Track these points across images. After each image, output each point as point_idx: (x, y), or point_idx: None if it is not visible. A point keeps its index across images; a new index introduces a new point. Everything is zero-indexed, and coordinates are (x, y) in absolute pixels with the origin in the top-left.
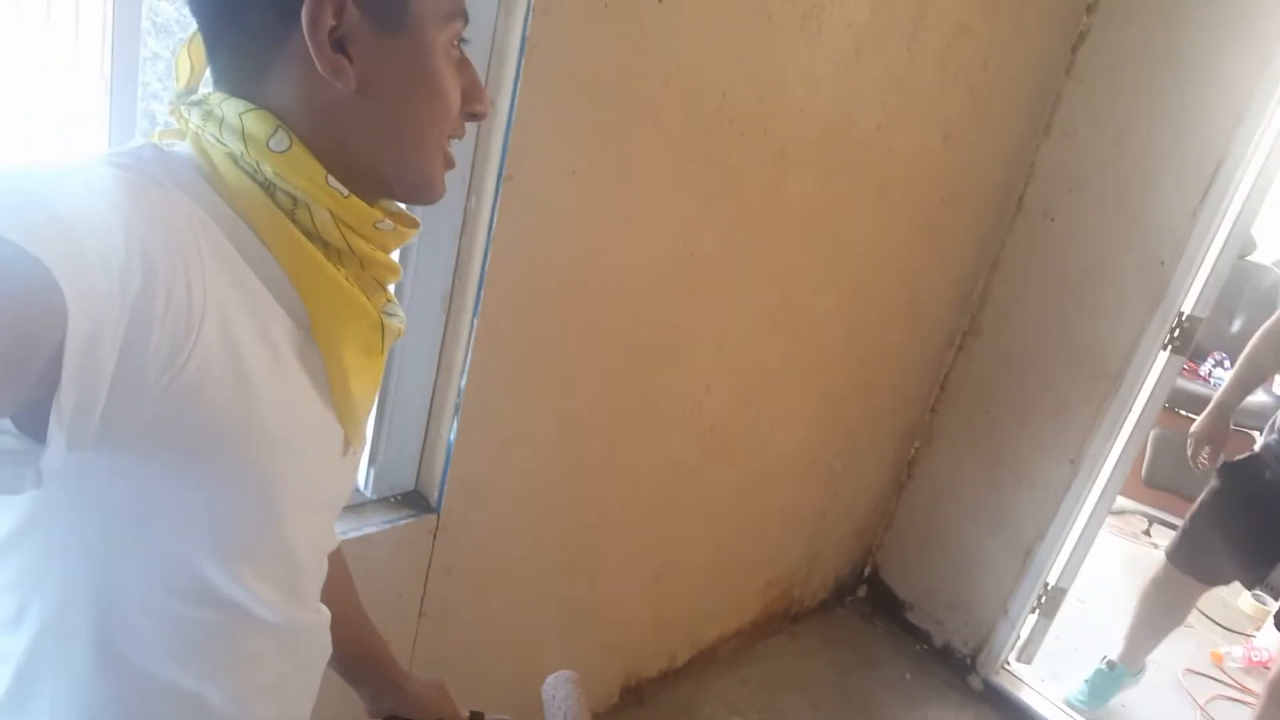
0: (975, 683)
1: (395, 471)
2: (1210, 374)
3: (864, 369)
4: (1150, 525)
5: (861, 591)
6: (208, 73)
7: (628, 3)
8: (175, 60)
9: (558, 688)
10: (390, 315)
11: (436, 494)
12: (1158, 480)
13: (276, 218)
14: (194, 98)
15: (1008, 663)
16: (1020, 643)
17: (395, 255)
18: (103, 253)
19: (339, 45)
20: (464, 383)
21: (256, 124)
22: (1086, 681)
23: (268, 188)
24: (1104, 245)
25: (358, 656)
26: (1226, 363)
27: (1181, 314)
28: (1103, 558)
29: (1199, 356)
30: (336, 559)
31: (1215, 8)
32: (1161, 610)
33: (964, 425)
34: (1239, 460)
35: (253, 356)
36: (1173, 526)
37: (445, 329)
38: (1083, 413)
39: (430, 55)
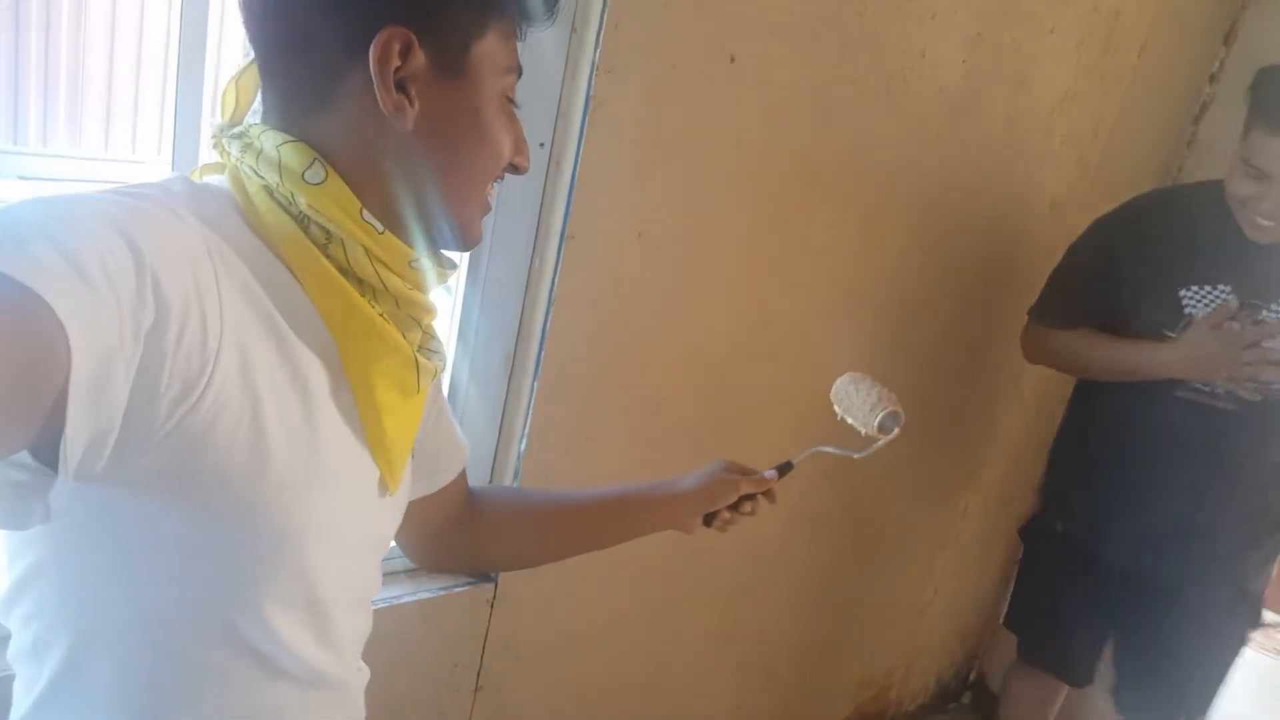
0: None
1: None
2: None
3: (970, 454)
4: None
5: (966, 698)
6: (253, 107)
7: (697, 63)
8: (222, 93)
9: (855, 382)
10: (430, 352)
11: None
12: None
13: (309, 251)
14: (236, 130)
15: None
16: None
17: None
18: (113, 287)
19: (400, 85)
20: (523, 447)
21: (294, 156)
22: None
23: (301, 221)
24: None
25: (616, 517)
26: None
27: None
28: (1248, 679)
29: None
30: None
31: None
32: None
33: None
34: None
35: (272, 393)
36: None
37: (508, 390)
38: None
39: (486, 103)
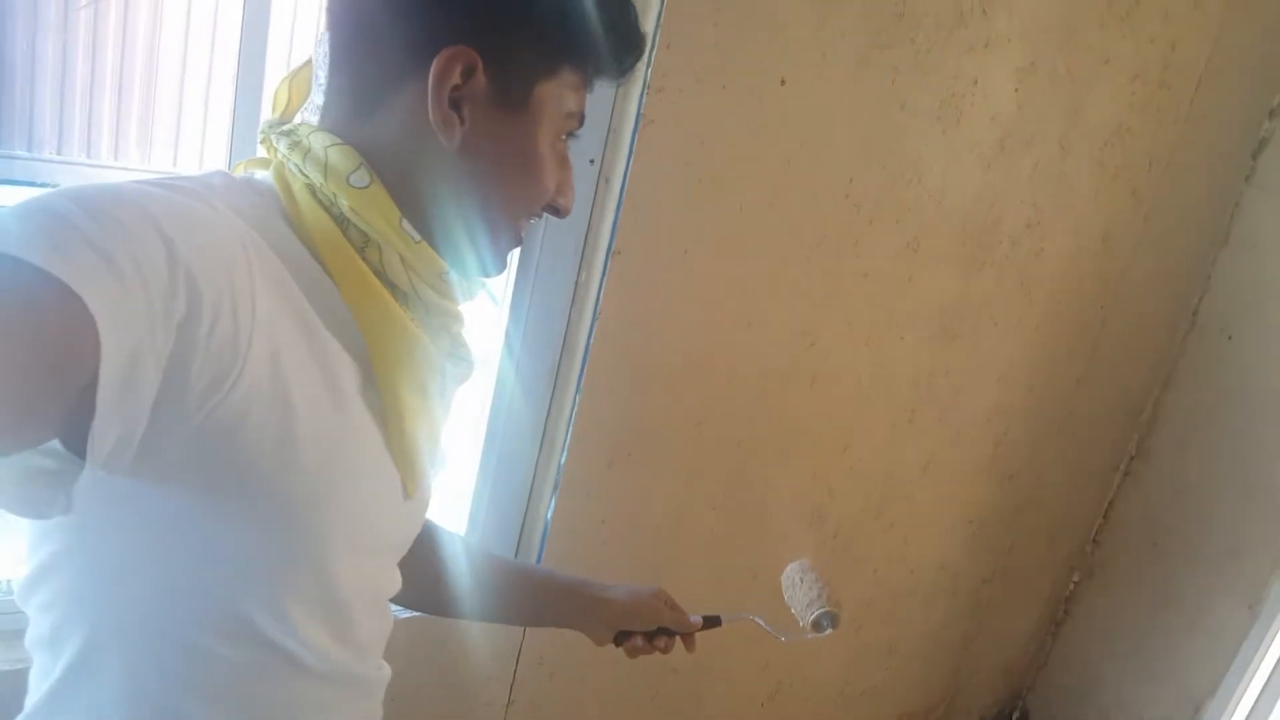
0: None
1: (492, 547)
2: None
3: (1015, 488)
4: None
5: None
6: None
7: (748, 83)
8: (275, 90)
9: (803, 572)
10: (459, 360)
11: None
12: None
13: (346, 252)
14: (285, 127)
15: None
16: None
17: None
18: (144, 279)
19: (455, 103)
20: (564, 459)
21: (341, 158)
22: None
23: (341, 222)
24: None
25: (530, 595)
26: None
27: None
28: None
29: None
30: (431, 534)
31: None
32: None
33: (1130, 560)
34: None
35: (302, 389)
36: None
37: (550, 403)
38: (1262, 555)
39: (539, 141)
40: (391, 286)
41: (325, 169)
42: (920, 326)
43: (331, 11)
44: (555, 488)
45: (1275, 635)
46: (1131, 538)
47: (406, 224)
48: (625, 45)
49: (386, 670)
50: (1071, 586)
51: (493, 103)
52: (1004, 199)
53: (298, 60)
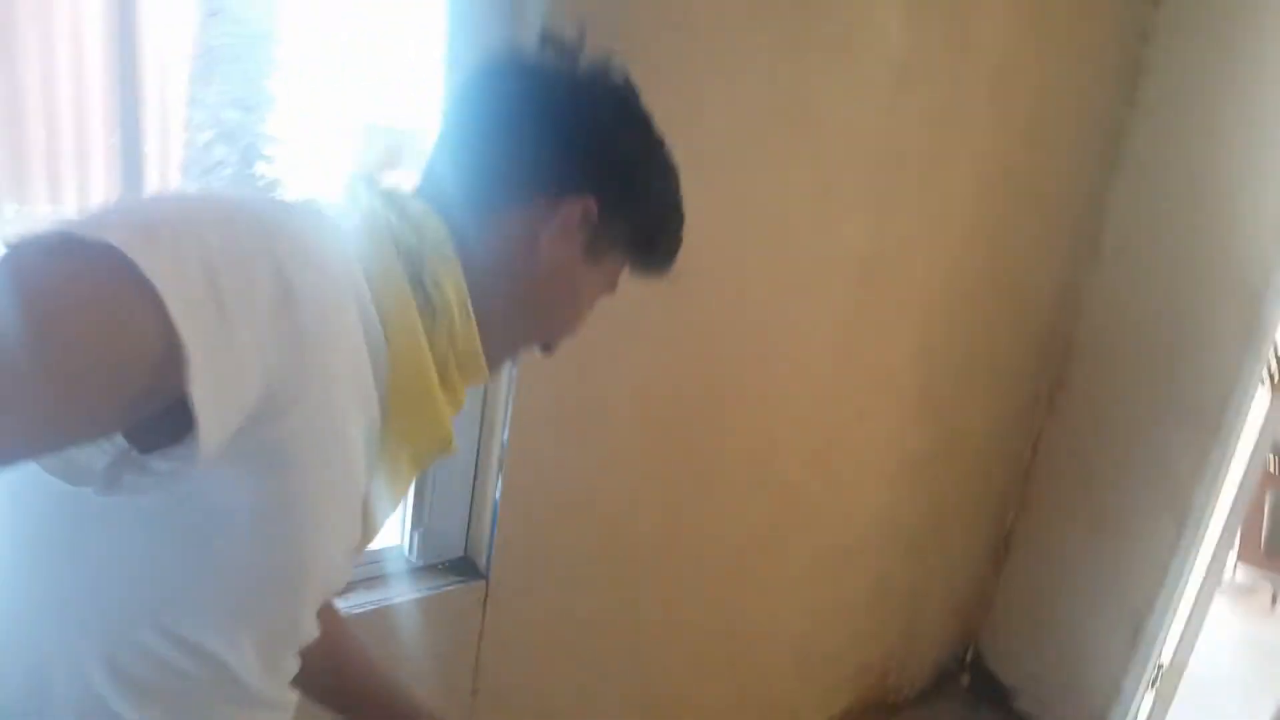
0: None
1: (442, 535)
2: None
3: (945, 429)
4: (1277, 596)
5: (965, 679)
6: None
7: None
8: (371, 145)
9: None
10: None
11: (484, 559)
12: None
13: (410, 316)
14: (384, 187)
15: None
16: None
17: None
18: (250, 321)
19: (554, 224)
20: (506, 436)
21: (437, 231)
22: None
23: (415, 286)
24: (1190, 279)
25: (350, 682)
26: None
27: (1278, 346)
28: (1225, 636)
29: None
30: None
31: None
32: None
33: (1060, 490)
34: None
35: (336, 434)
36: None
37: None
38: (1184, 465)
39: (591, 294)
40: (437, 364)
41: (420, 232)
42: (842, 274)
43: (473, 114)
44: (500, 466)
45: (1202, 545)
46: (1060, 468)
47: (469, 303)
48: (669, 260)
49: (294, 698)
50: (1009, 523)
51: (579, 251)
52: (905, 138)
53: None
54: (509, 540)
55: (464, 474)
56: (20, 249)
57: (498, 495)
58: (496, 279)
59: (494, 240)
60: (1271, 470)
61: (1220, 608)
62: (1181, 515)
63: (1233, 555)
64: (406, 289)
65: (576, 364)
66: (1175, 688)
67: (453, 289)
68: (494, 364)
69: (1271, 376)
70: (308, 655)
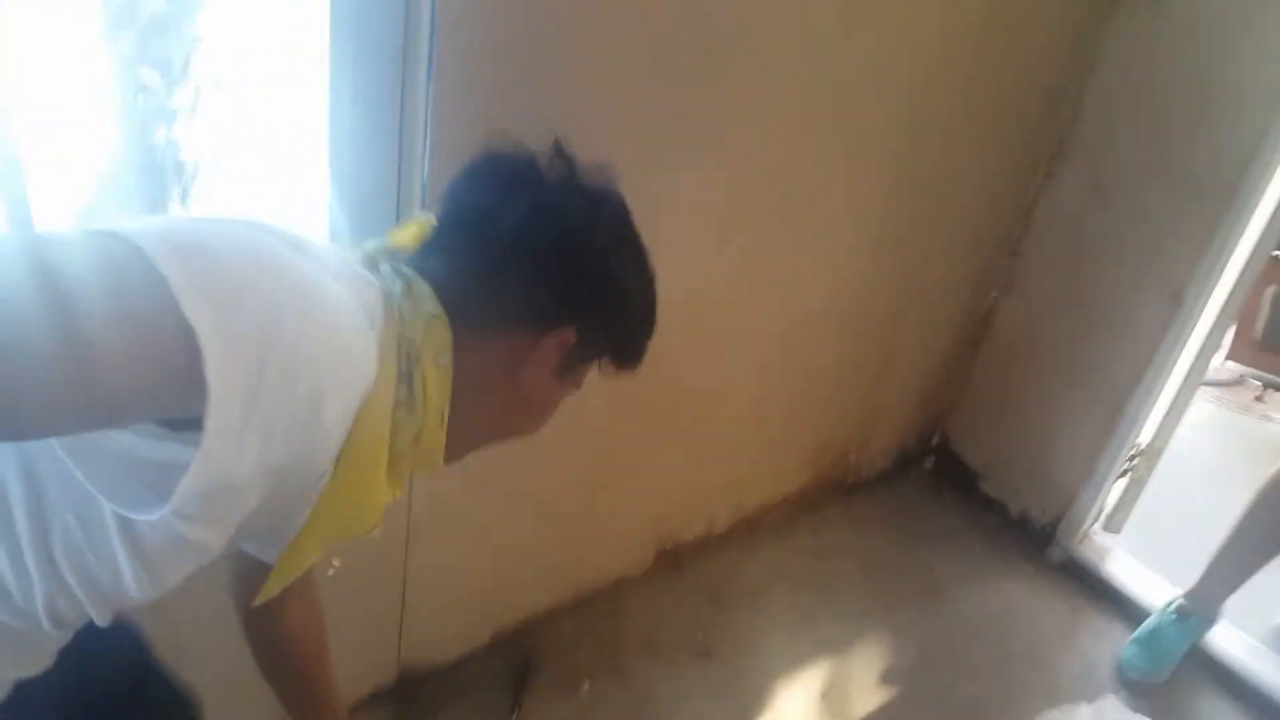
0: (1055, 554)
1: None
2: None
3: (926, 197)
4: (1264, 392)
5: (929, 463)
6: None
7: None
8: (407, 223)
9: None
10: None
11: None
12: (1275, 342)
13: (383, 413)
14: (403, 269)
15: (1092, 532)
16: (1107, 510)
17: None
18: (278, 386)
19: (534, 356)
20: (427, 170)
21: (441, 334)
22: (1137, 641)
23: (403, 378)
24: (1223, 34)
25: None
26: None
27: None
28: (1208, 429)
29: None
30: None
31: None
32: None
33: (1051, 268)
34: None
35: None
36: None
37: (402, 97)
38: (1188, 242)
39: (556, 403)
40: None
41: (427, 333)
42: (817, 15)
43: (485, 238)
44: (423, 204)
45: (1196, 323)
46: (1053, 243)
47: (445, 411)
48: (640, 361)
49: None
50: (991, 302)
51: (554, 373)
52: None
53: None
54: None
55: (384, 215)
56: (93, 245)
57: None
58: (474, 394)
59: (479, 360)
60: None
61: (1203, 400)
62: (1179, 291)
63: (1223, 348)
64: (392, 385)
65: (503, 67)
66: (1150, 471)
67: (437, 396)
68: (449, 460)
69: None
70: (269, 631)
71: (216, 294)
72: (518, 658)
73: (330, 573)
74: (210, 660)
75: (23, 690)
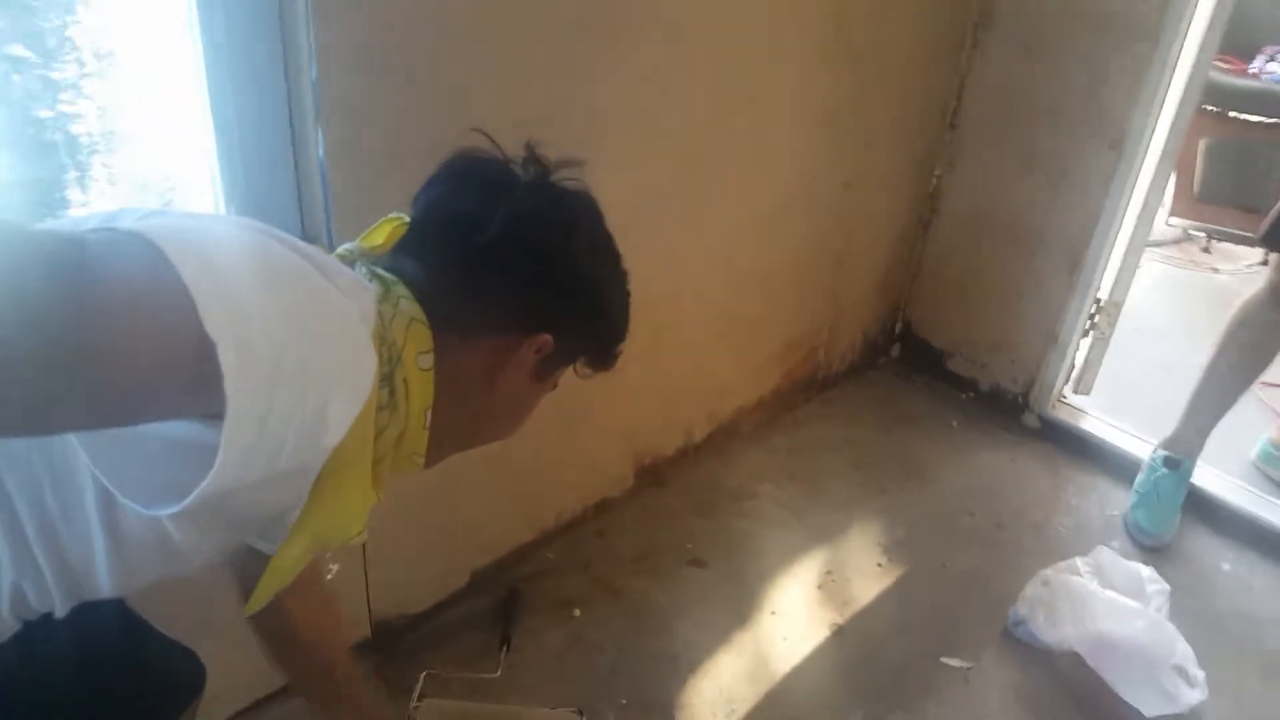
0: (1030, 420)
1: (266, 213)
2: (1261, 71)
3: (864, 72)
4: (1209, 242)
5: (895, 351)
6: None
7: None
8: (379, 224)
9: None
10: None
11: None
12: (1213, 193)
13: (366, 420)
14: (384, 274)
15: (1064, 395)
16: (1075, 371)
17: None
18: (290, 395)
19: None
20: (315, 74)
21: (420, 337)
22: (1140, 506)
23: (384, 380)
24: None
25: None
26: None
27: None
28: (1160, 288)
29: (1248, 53)
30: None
31: None
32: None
33: (989, 138)
34: None
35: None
36: (1236, 240)
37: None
38: (1120, 86)
39: (532, 405)
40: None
41: (408, 335)
42: None
43: (463, 243)
44: (317, 114)
45: (1139, 171)
46: (988, 113)
47: (429, 413)
48: (614, 361)
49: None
50: (935, 182)
51: (530, 377)
52: None
53: None
54: (349, 208)
55: (276, 133)
56: (111, 244)
57: (321, 154)
58: (453, 397)
59: (458, 364)
60: (1208, 113)
61: (1151, 260)
62: (1119, 140)
63: (1165, 206)
64: (374, 389)
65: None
66: (1112, 328)
67: (419, 400)
68: (429, 463)
69: None
70: (280, 633)
71: (236, 307)
72: (502, 594)
73: (329, 577)
74: (210, 620)
75: (14, 662)
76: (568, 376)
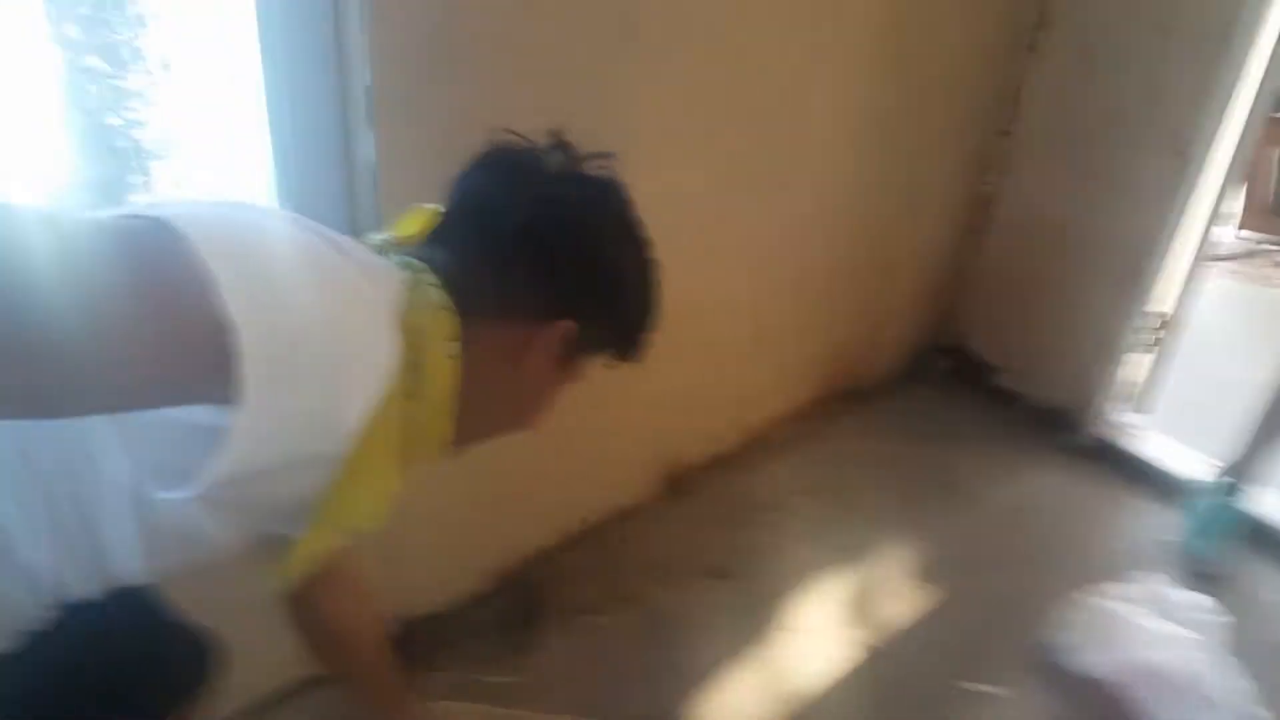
0: (1082, 439)
1: (318, 214)
2: None
3: (913, 78)
4: None
5: (942, 363)
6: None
7: None
8: (413, 213)
9: None
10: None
11: None
12: None
13: (389, 409)
14: (414, 263)
15: (1118, 413)
16: (1134, 389)
17: None
18: (310, 383)
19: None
20: (371, 80)
21: (448, 325)
22: (1198, 531)
23: (408, 368)
24: None
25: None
26: None
27: None
28: (1227, 303)
29: None
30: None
31: None
32: None
33: (1046, 145)
34: None
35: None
36: None
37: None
38: (1185, 90)
39: (557, 393)
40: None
41: (434, 321)
42: None
43: (490, 231)
44: (371, 120)
45: (1204, 179)
46: (1044, 118)
47: (454, 401)
48: (642, 352)
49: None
50: (987, 189)
51: (555, 364)
52: None
53: None
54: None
55: (329, 135)
56: (131, 233)
57: (374, 156)
58: (478, 385)
59: (484, 350)
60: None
61: (1219, 275)
62: (1183, 150)
63: (1234, 218)
64: (398, 378)
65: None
66: (1175, 343)
67: (444, 386)
68: (454, 452)
69: None
70: (317, 628)
71: (259, 294)
72: (523, 598)
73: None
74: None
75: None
76: (598, 379)
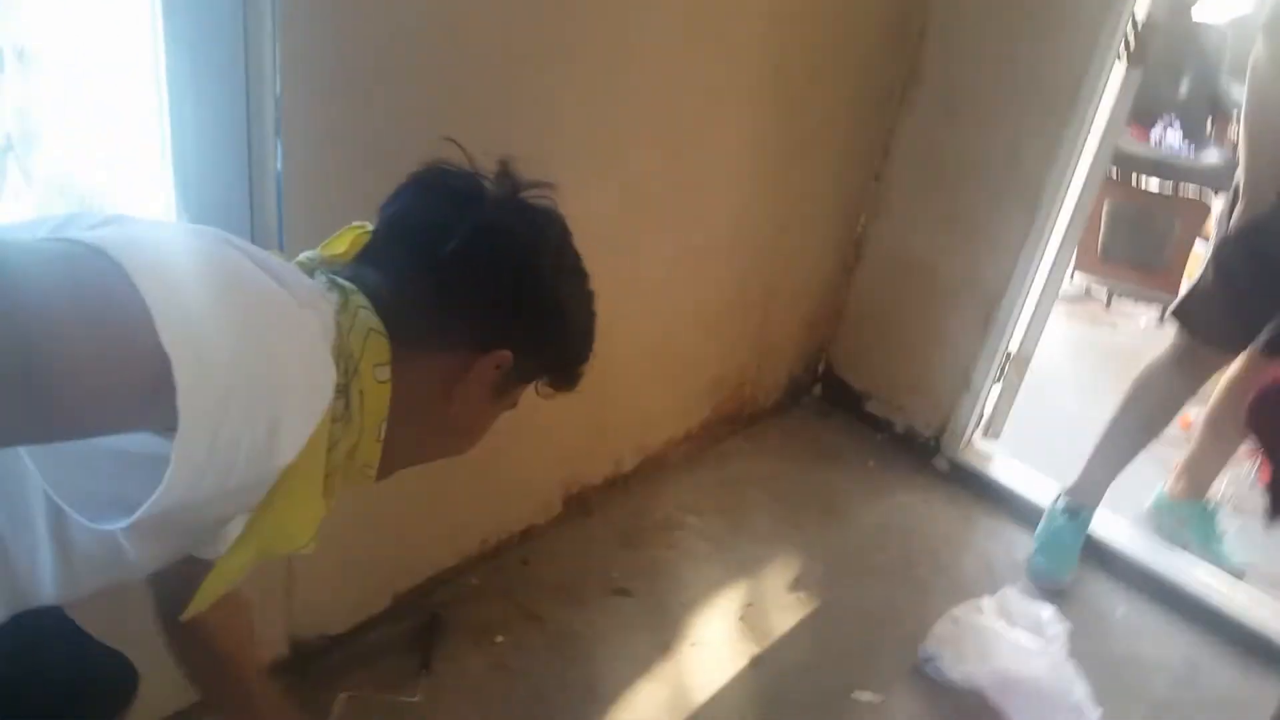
0: (941, 464)
1: (224, 224)
2: (1161, 139)
3: (798, 122)
4: (1110, 299)
5: (817, 390)
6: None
7: None
8: (342, 232)
9: None
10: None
11: None
12: (1114, 253)
13: (320, 434)
14: (342, 282)
15: (973, 440)
16: (985, 418)
17: None
18: (239, 413)
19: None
20: (279, 89)
21: (378, 349)
22: (1041, 551)
23: (339, 391)
24: None
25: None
26: (1176, 124)
27: (1135, 18)
28: (1064, 342)
29: (1147, 120)
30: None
31: None
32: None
33: (913, 190)
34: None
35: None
36: (1135, 298)
37: (244, 18)
38: (1037, 147)
39: (490, 422)
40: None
41: (364, 347)
42: None
43: (427, 255)
44: (277, 130)
45: (1052, 231)
46: (911, 165)
47: (383, 426)
48: (577, 381)
49: None
50: (860, 229)
51: (489, 394)
52: None
53: None
54: (300, 221)
55: (234, 146)
56: (62, 256)
57: (279, 167)
58: (409, 411)
59: (416, 376)
60: (1112, 178)
61: (1058, 312)
62: (1032, 203)
63: (1070, 261)
64: (329, 402)
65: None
66: (1021, 378)
67: (374, 411)
68: (382, 476)
69: (1128, 47)
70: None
71: (193, 322)
72: (423, 618)
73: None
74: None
75: None
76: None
